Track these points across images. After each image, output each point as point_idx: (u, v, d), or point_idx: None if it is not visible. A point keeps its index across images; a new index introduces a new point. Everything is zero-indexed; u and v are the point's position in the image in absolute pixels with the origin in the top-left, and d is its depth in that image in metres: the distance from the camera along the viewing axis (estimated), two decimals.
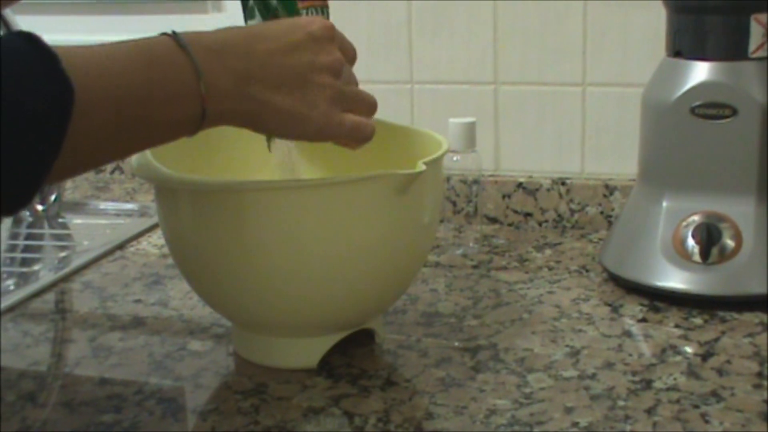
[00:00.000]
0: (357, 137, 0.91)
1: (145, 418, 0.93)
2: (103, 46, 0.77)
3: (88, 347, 1.09)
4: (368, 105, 0.93)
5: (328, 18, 1.02)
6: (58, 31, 1.76)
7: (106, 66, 0.76)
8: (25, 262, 1.39)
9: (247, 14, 1.02)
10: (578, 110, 1.44)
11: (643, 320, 1.11)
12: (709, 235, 1.12)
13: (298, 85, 0.86)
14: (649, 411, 0.90)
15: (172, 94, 0.80)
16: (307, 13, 1.01)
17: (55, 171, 0.72)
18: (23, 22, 1.49)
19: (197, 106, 0.81)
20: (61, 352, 1.11)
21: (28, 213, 1.57)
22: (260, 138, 1.14)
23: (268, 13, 1.00)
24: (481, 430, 0.88)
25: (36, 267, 1.38)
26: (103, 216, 1.61)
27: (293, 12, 0.99)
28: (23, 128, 0.68)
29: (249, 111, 0.85)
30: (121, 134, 0.78)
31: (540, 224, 1.46)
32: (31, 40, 0.71)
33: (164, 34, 0.82)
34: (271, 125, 0.88)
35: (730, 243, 1.12)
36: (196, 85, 0.80)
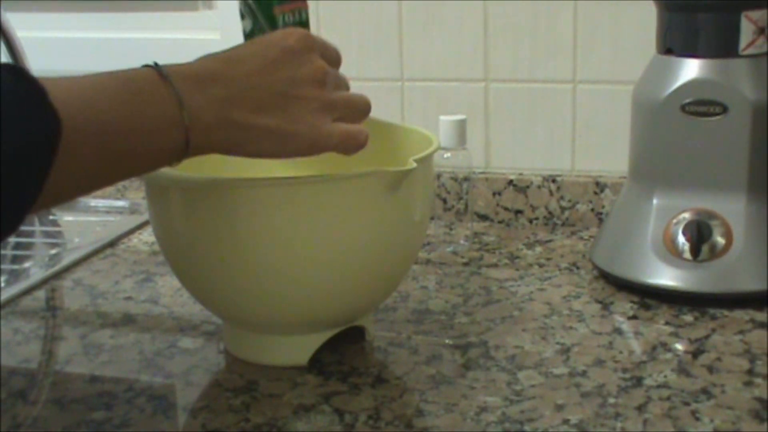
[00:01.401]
0: (349, 146, 0.90)
1: (135, 416, 0.93)
2: (87, 78, 0.77)
3: (78, 344, 1.09)
4: (360, 109, 0.93)
5: (307, 20, 1.03)
6: (50, 29, 1.77)
7: (92, 99, 0.76)
8: (15, 260, 1.38)
9: (243, 15, 1.02)
10: (569, 107, 1.44)
11: (634, 317, 1.11)
12: (699, 233, 1.12)
13: (280, 104, 0.86)
14: (640, 408, 0.90)
15: (155, 126, 0.80)
16: (284, 19, 1.00)
17: (39, 202, 0.72)
18: (15, 19, 1.49)
19: (181, 136, 0.81)
20: (51, 350, 1.11)
21: None
22: None
23: (256, 21, 1.00)
24: (472, 427, 0.88)
25: (27, 264, 1.37)
26: (94, 213, 1.60)
27: (272, 23, 0.99)
28: (11, 162, 0.68)
29: (234, 137, 0.85)
30: (105, 166, 0.78)
31: (530, 221, 1.46)
32: (17, 73, 0.71)
33: (146, 65, 0.82)
34: (259, 148, 0.87)
35: (720, 240, 1.13)
36: (179, 116, 0.80)
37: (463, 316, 1.12)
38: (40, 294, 1.25)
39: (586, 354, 1.02)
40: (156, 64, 0.82)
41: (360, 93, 0.94)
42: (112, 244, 1.42)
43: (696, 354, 1.01)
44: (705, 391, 0.93)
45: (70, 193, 0.78)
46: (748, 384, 0.94)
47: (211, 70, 0.85)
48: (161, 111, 0.80)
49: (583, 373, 0.97)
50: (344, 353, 1.03)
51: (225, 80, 0.84)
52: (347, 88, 0.94)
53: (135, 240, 1.44)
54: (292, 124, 0.86)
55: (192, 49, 1.70)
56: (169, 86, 0.80)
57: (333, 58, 0.93)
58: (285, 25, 0.99)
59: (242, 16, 1.02)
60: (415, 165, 0.92)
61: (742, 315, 1.10)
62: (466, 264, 1.30)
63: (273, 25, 0.99)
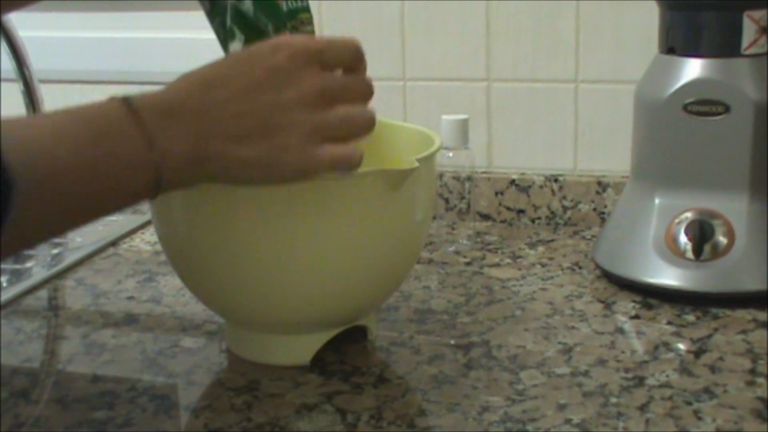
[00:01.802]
0: (341, 170, 0.83)
1: (137, 415, 0.93)
2: (47, 119, 0.74)
3: (80, 344, 1.09)
4: (360, 125, 0.85)
5: (307, 13, 0.96)
6: (52, 28, 1.77)
7: (51, 147, 0.72)
8: (17, 259, 1.38)
9: (228, 37, 0.96)
10: (571, 107, 1.44)
11: (636, 317, 1.11)
12: (701, 232, 1.12)
13: (264, 132, 0.80)
14: (642, 408, 0.90)
15: (123, 168, 0.76)
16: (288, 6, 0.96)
17: None
18: (17, 18, 1.49)
19: (152, 176, 0.76)
20: (53, 349, 1.11)
21: None
22: None
23: (250, 30, 0.94)
24: (474, 427, 0.88)
25: (29, 264, 1.37)
26: None
27: (276, 14, 0.93)
28: None
29: (211, 171, 0.80)
30: (69, 213, 0.75)
31: (533, 221, 1.46)
32: None
33: (113, 98, 0.78)
34: (241, 179, 0.82)
35: (722, 240, 1.13)
36: (148, 156, 0.76)
37: (465, 315, 1.12)
38: (43, 293, 1.25)
39: (588, 354, 1.02)
40: (125, 97, 0.78)
41: (364, 107, 0.86)
42: (114, 243, 1.42)
43: (698, 354, 1.01)
44: (707, 391, 0.93)
45: (30, 242, 0.76)
46: (751, 384, 0.94)
47: (185, 98, 0.79)
48: (129, 151, 0.75)
49: (586, 373, 0.97)
50: (346, 353, 1.03)
51: (200, 110, 0.78)
52: (364, 93, 0.86)
53: (137, 239, 1.44)
54: (278, 154, 0.80)
55: (193, 48, 1.71)
56: (138, 122, 0.76)
57: (346, 60, 0.85)
58: (290, 12, 0.95)
59: (231, 38, 0.96)
60: (417, 164, 0.92)
61: (744, 314, 1.10)
62: (468, 263, 1.30)
63: (276, 18, 0.95)
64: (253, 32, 0.94)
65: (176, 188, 0.81)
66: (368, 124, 0.85)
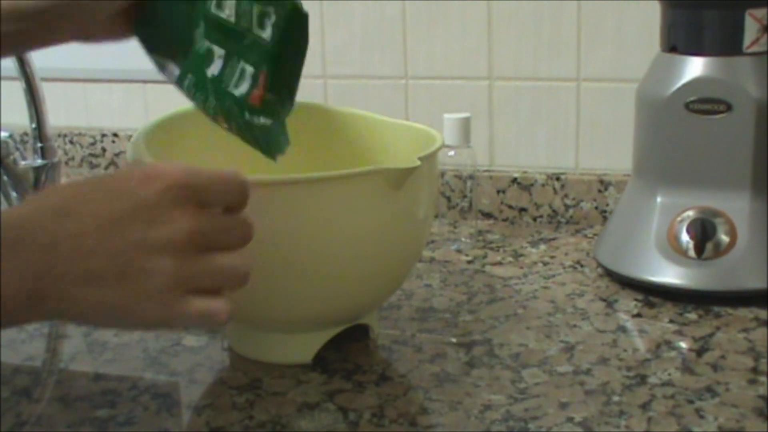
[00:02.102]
0: (205, 326, 0.76)
1: (139, 414, 0.93)
2: None
3: (82, 342, 1.09)
4: (232, 281, 0.75)
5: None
6: None
7: None
8: None
9: (204, 64, 0.89)
10: (573, 105, 1.44)
11: (638, 315, 1.11)
12: (703, 231, 1.12)
13: (117, 276, 0.69)
14: (644, 406, 0.90)
15: None
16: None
17: None
18: None
19: None
20: (55, 348, 1.11)
21: None
22: None
23: (226, 38, 0.87)
24: (476, 425, 0.88)
25: None
26: None
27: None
28: None
29: (53, 313, 0.70)
30: None
31: (535, 219, 1.46)
32: None
33: None
34: (87, 322, 0.74)
35: (724, 238, 1.12)
36: None
37: (467, 314, 1.12)
38: None
39: (590, 352, 1.02)
40: None
41: (240, 257, 0.75)
42: None
43: (700, 352, 1.01)
44: (709, 389, 0.93)
45: None
46: (753, 382, 0.94)
47: (35, 225, 0.68)
48: None
49: (588, 371, 0.97)
50: (348, 351, 1.03)
51: (47, 243, 0.67)
52: (244, 237, 0.75)
53: None
54: (133, 302, 0.70)
55: None
56: None
57: (229, 200, 0.75)
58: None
59: (208, 63, 0.88)
60: (419, 163, 0.92)
61: (746, 313, 1.10)
62: (470, 262, 1.30)
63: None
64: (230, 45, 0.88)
65: (13, 326, 0.71)
66: (241, 279, 0.75)
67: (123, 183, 0.71)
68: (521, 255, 1.32)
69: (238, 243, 0.75)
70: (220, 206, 0.74)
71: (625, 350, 1.02)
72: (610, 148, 1.43)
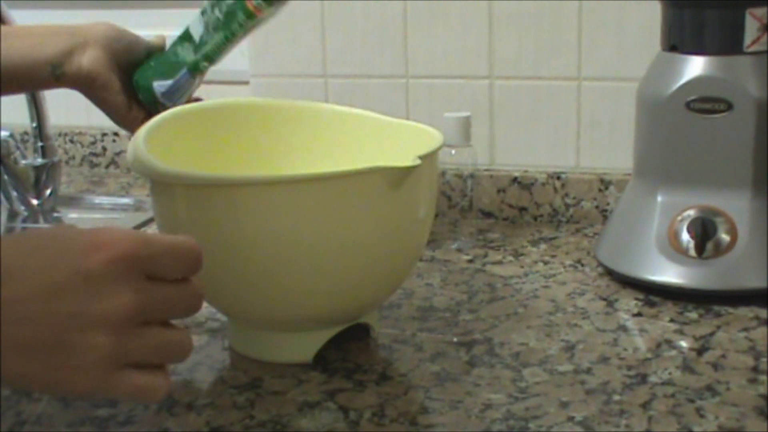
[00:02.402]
0: (140, 402, 0.74)
1: (140, 413, 0.93)
2: None
3: None
4: (170, 357, 0.72)
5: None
6: None
7: None
8: None
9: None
10: (573, 105, 1.44)
11: (639, 315, 1.11)
12: (704, 230, 1.12)
13: (53, 347, 0.66)
14: (644, 405, 0.90)
15: None
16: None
17: None
18: (19, 16, 1.49)
19: None
20: None
21: (23, 208, 1.57)
22: (254, 133, 1.14)
23: None
24: (476, 425, 0.88)
25: None
26: (99, 210, 1.60)
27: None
28: None
29: None
30: None
31: (535, 219, 1.46)
32: None
33: None
34: (20, 387, 0.71)
35: (725, 237, 1.12)
36: None
37: (467, 313, 1.12)
38: None
39: (590, 351, 1.02)
40: None
41: (183, 332, 0.72)
42: None
43: (701, 351, 1.01)
44: (710, 389, 0.93)
45: None
46: (753, 381, 0.94)
47: None
48: None
49: (588, 370, 0.97)
50: (349, 350, 1.03)
51: None
52: (191, 308, 0.73)
53: None
54: (66, 374, 0.66)
55: None
56: None
57: (181, 272, 0.72)
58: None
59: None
60: (419, 162, 0.92)
61: (746, 312, 1.10)
62: (470, 261, 1.30)
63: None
64: None
65: None
66: (183, 355, 0.72)
67: (67, 249, 0.67)
68: (522, 254, 1.32)
69: (185, 313, 0.72)
70: (171, 277, 0.71)
71: (625, 349, 1.02)
72: (610, 148, 1.43)
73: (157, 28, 1.70)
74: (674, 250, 1.14)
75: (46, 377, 0.66)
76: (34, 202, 1.57)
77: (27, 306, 0.64)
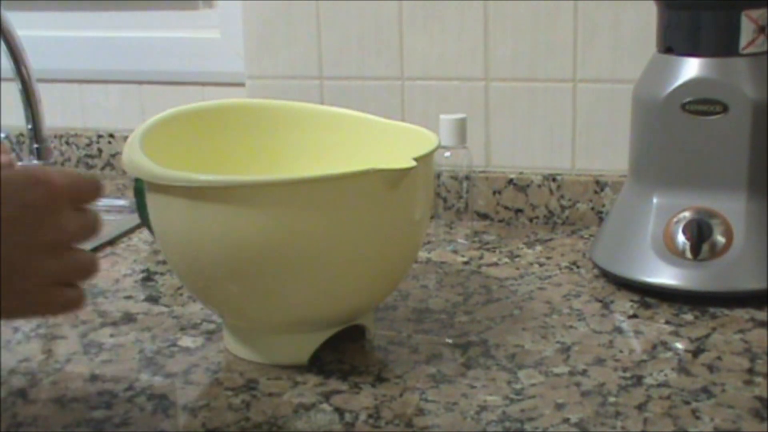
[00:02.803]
0: (68, 313, 0.81)
1: (135, 415, 0.92)
2: None
3: (78, 343, 1.09)
4: (91, 270, 0.80)
5: None
6: (51, 28, 1.77)
7: None
8: None
9: None
10: (569, 106, 1.44)
11: (634, 316, 1.11)
12: (699, 232, 1.12)
13: (6, 275, 0.72)
14: (640, 407, 0.90)
15: None
16: None
17: None
18: (16, 18, 1.49)
19: None
20: (51, 349, 1.11)
21: None
22: (250, 135, 1.14)
23: None
24: (472, 426, 0.88)
25: None
26: None
27: None
28: None
29: None
30: None
31: (531, 220, 1.46)
32: None
33: None
34: None
35: (720, 239, 1.13)
36: None
37: (463, 314, 1.12)
38: None
39: (586, 353, 1.02)
40: None
41: (93, 254, 0.81)
42: (112, 242, 1.42)
43: (696, 353, 1.01)
44: (705, 390, 0.93)
45: None
46: (749, 383, 0.94)
47: None
48: None
49: (584, 372, 0.97)
50: (344, 352, 1.03)
51: None
52: (96, 231, 0.79)
53: (135, 239, 1.44)
54: (17, 297, 0.74)
55: (193, 47, 1.71)
56: None
57: (94, 198, 0.79)
58: None
59: None
60: (414, 164, 0.92)
61: (742, 314, 1.10)
62: (466, 263, 1.30)
63: None
64: None
65: None
66: (95, 270, 0.80)
67: (9, 186, 0.73)
68: (517, 256, 1.32)
69: (94, 238, 0.80)
70: (87, 203, 0.79)
71: (621, 351, 1.02)
72: (606, 149, 1.43)
73: (156, 29, 1.71)
74: (670, 251, 1.14)
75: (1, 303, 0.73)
76: None
77: None
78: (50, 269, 0.75)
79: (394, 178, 0.92)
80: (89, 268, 0.80)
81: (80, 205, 0.78)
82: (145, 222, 1.35)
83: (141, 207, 1.34)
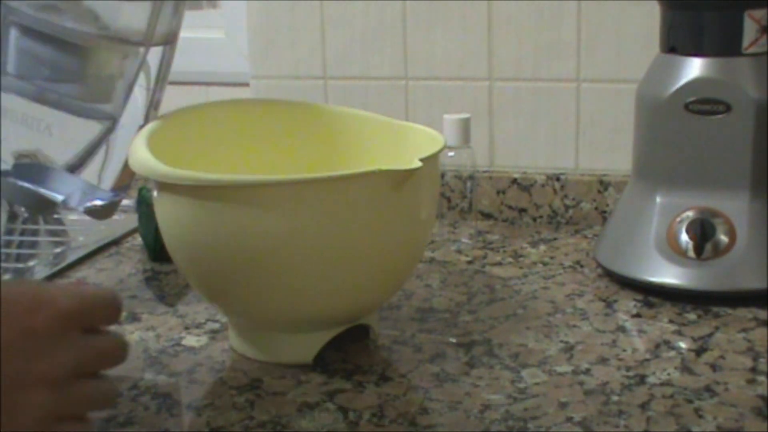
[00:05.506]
0: None
1: (140, 413, 0.93)
2: None
3: None
4: (103, 402, 0.74)
5: None
6: None
7: None
8: (20, 258, 1.39)
9: None
10: (573, 106, 1.44)
11: (637, 315, 1.11)
12: (703, 231, 1.13)
13: None
14: (643, 406, 0.90)
15: None
16: None
17: None
18: None
19: None
20: None
21: (23, 209, 1.56)
22: (255, 135, 1.15)
23: None
24: (476, 425, 0.88)
25: (31, 263, 1.37)
26: None
27: None
28: None
29: None
30: None
31: (534, 220, 1.46)
32: None
33: None
34: None
35: (723, 238, 1.13)
36: None
37: (467, 314, 1.13)
38: None
39: (589, 352, 1.02)
40: None
41: (110, 381, 0.75)
42: (116, 242, 1.43)
43: (699, 352, 1.01)
44: (708, 389, 0.93)
45: None
46: (752, 382, 0.94)
47: None
48: None
49: (587, 371, 0.97)
50: (349, 351, 1.04)
51: None
52: (118, 358, 0.74)
53: (140, 238, 1.44)
54: (5, 428, 0.67)
55: (197, 47, 1.71)
56: None
57: (109, 320, 0.74)
58: None
59: None
60: (420, 164, 0.92)
61: (745, 313, 1.10)
62: (470, 262, 1.30)
63: None
64: None
65: None
66: (110, 403, 0.75)
67: (12, 307, 0.68)
68: (521, 255, 1.32)
69: (113, 364, 0.74)
70: (102, 326, 0.73)
71: (624, 350, 1.02)
72: (609, 149, 1.44)
73: None
74: (673, 251, 1.14)
75: None
76: None
77: None
78: (47, 404, 0.68)
79: (400, 178, 0.92)
80: (101, 399, 0.73)
81: (95, 327, 0.72)
82: (141, 231, 1.35)
83: (141, 216, 1.34)
